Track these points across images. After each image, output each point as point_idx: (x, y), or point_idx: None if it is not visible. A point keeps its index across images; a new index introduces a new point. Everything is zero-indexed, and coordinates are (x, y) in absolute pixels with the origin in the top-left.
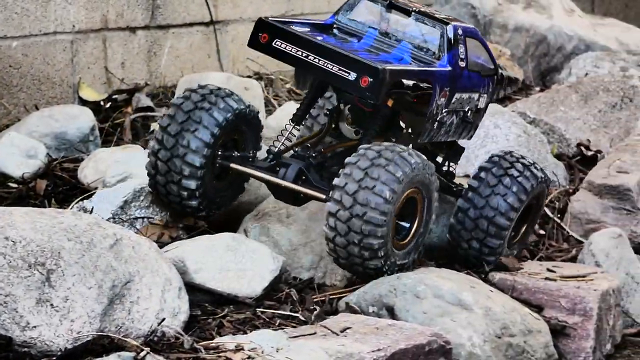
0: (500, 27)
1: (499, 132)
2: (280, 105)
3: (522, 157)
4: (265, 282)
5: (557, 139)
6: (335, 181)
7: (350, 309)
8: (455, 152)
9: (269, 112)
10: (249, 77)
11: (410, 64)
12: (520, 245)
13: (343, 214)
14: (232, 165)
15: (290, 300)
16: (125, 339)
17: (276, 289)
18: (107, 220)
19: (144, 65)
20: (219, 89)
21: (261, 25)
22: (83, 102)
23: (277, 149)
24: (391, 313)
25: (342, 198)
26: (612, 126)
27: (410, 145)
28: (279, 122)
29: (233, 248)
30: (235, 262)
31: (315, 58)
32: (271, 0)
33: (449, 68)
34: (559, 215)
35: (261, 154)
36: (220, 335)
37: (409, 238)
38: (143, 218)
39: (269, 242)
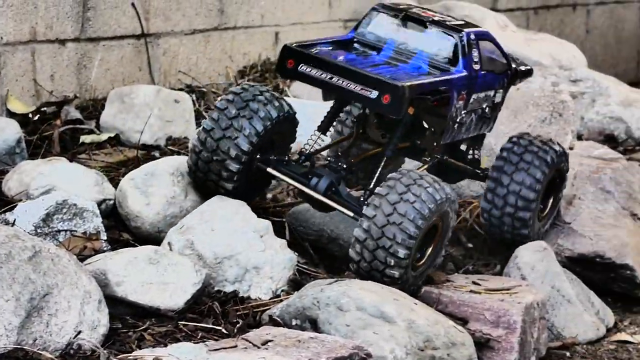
0: None
1: None
2: None
3: (539, 136)
4: (187, 295)
5: (487, 152)
6: (365, 210)
7: (273, 322)
8: (477, 139)
9: (199, 125)
10: (181, 89)
11: (428, 72)
12: (549, 219)
13: (370, 243)
14: (269, 169)
15: (213, 313)
16: (40, 352)
17: (199, 302)
18: (29, 232)
19: (73, 77)
20: (261, 93)
21: (286, 51)
22: (11, 115)
23: (310, 149)
24: (314, 326)
25: (371, 229)
26: None
27: (435, 144)
28: None
29: (155, 261)
30: (158, 275)
31: (338, 79)
32: (204, 13)
33: (465, 73)
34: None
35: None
36: (140, 348)
37: (424, 260)
38: (66, 231)
39: (193, 255)
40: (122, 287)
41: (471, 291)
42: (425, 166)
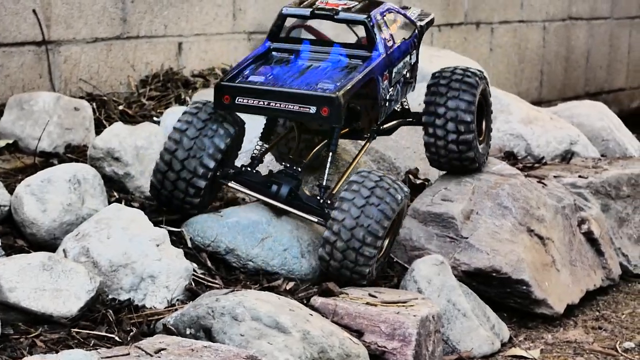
0: None
1: None
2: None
3: (457, 66)
4: (81, 302)
5: (387, 167)
6: (334, 214)
7: (167, 331)
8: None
9: (99, 134)
10: (82, 97)
11: (348, 64)
12: (488, 140)
13: (340, 245)
14: (230, 184)
15: (107, 321)
16: None
17: (93, 310)
18: None
19: None
20: (215, 111)
21: (221, 89)
22: None
23: (259, 154)
24: (208, 335)
25: (340, 231)
26: None
27: (371, 123)
28: (105, 144)
29: (49, 267)
30: (51, 282)
31: (276, 104)
32: (106, 22)
33: (383, 53)
34: None
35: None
36: (31, 354)
37: (383, 251)
38: None
39: (89, 263)
40: (15, 293)
41: (367, 303)
42: (368, 144)
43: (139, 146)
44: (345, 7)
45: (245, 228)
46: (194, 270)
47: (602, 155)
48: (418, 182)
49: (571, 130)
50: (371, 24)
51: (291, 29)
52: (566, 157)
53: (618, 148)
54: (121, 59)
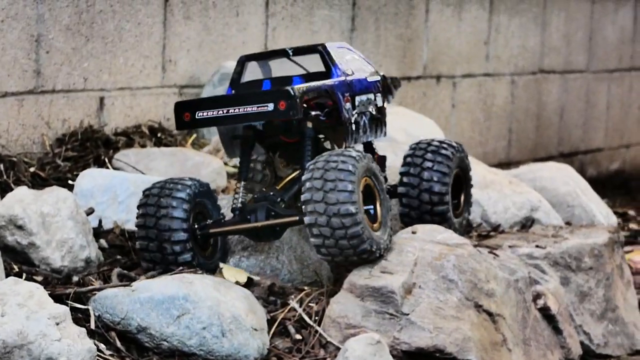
0: None
1: None
2: None
3: (434, 139)
4: None
5: None
6: (303, 198)
7: None
8: (379, 162)
9: (3, 197)
10: None
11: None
12: (466, 212)
13: (321, 219)
14: (211, 230)
15: None
16: None
17: None
18: None
19: None
20: (168, 180)
21: (180, 107)
22: None
23: (238, 204)
24: None
25: (315, 207)
26: None
27: None
28: (7, 210)
29: None
30: None
31: (235, 109)
32: (17, 74)
33: (341, 77)
34: (316, 319)
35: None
36: None
37: (378, 219)
38: None
39: None
40: None
41: None
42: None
43: (46, 213)
44: (300, 46)
45: (160, 304)
46: (100, 352)
47: (566, 223)
48: None
49: (532, 195)
50: (326, 50)
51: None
52: (526, 224)
53: (585, 215)
54: (34, 115)
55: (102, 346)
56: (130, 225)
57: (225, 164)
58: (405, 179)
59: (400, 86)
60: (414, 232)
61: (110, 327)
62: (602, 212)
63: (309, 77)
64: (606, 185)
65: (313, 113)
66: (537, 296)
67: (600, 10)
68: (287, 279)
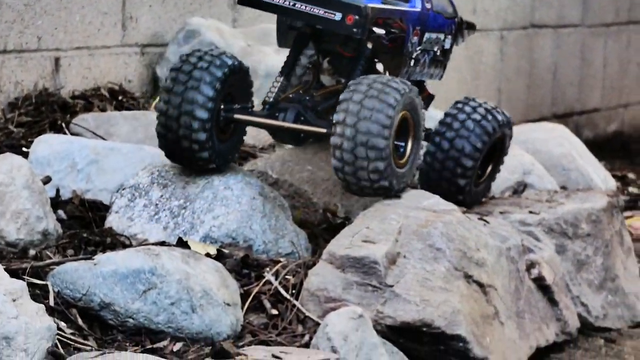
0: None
1: (229, 193)
2: None
3: (485, 102)
4: None
5: (303, 203)
6: (335, 117)
7: None
8: (426, 101)
9: None
10: None
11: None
12: (487, 184)
13: (347, 144)
14: (235, 115)
15: None
16: None
17: None
18: None
19: None
20: (211, 49)
21: None
22: None
23: (270, 99)
24: None
25: (345, 131)
26: None
27: None
28: None
29: None
30: None
31: (302, 5)
32: None
33: (418, 9)
34: (294, 293)
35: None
36: None
37: (406, 156)
38: None
39: None
40: None
41: None
42: None
43: None
44: None
45: (124, 278)
46: (61, 330)
47: (561, 187)
48: (337, 221)
49: (525, 158)
50: None
51: None
52: (518, 189)
53: (581, 179)
54: None
55: (62, 324)
56: (91, 195)
57: None
58: (436, 139)
59: (474, 32)
60: (399, 198)
61: (71, 303)
62: (599, 176)
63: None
64: (604, 147)
65: (376, 32)
66: (530, 265)
67: None
68: (261, 250)
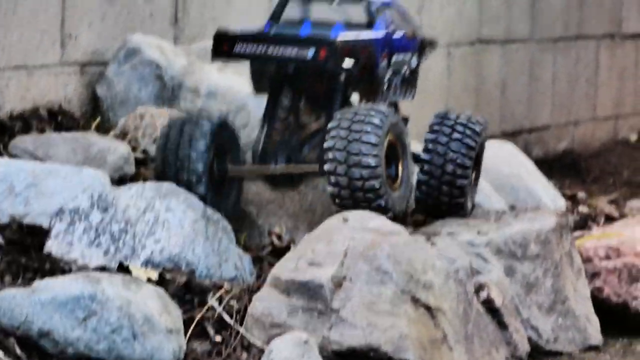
0: (191, 92)
1: (171, 216)
2: None
3: (458, 117)
4: None
5: (247, 225)
6: (326, 145)
7: None
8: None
9: None
10: None
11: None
12: (474, 191)
13: (341, 168)
14: (229, 169)
15: None
16: None
17: None
18: None
19: None
20: (194, 114)
21: (220, 36)
22: None
23: (259, 148)
24: None
25: (336, 155)
26: (313, 210)
27: None
28: None
29: None
30: None
31: (274, 48)
32: None
33: (383, 32)
34: (238, 318)
35: None
36: None
37: (399, 179)
38: None
39: None
40: None
41: None
42: None
43: None
44: None
45: (63, 305)
46: None
47: (510, 207)
48: (282, 244)
49: None
50: (371, 5)
51: None
52: None
53: (530, 198)
54: None
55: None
56: (30, 219)
57: (134, 148)
58: (426, 167)
59: (435, 49)
60: (345, 220)
61: (9, 332)
62: (549, 195)
63: (350, 26)
64: (554, 165)
65: (346, 64)
66: (479, 288)
67: None
68: (204, 274)
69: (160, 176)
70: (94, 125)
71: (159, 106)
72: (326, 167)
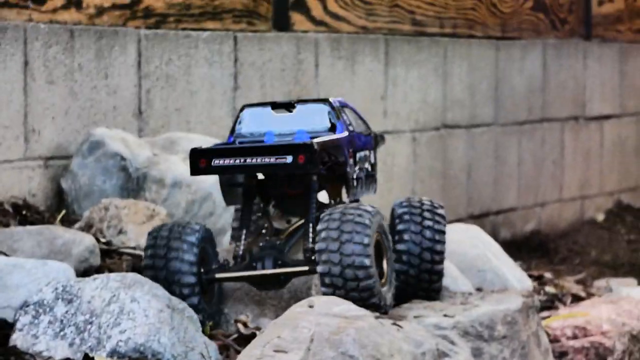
0: (156, 182)
1: (136, 306)
2: None
3: (420, 202)
4: None
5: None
6: (318, 247)
7: None
8: None
9: None
10: None
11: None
12: None
13: (335, 269)
14: (217, 275)
15: None
16: None
17: None
18: None
19: None
20: (175, 224)
21: (196, 153)
22: None
23: (240, 251)
24: None
25: (330, 257)
26: (279, 297)
27: None
28: None
29: None
30: None
31: (252, 159)
32: None
33: (346, 132)
34: None
35: None
36: None
37: (385, 275)
38: None
39: None
40: None
41: None
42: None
43: None
44: (304, 99)
45: None
46: None
47: (477, 289)
48: (249, 331)
49: None
50: (332, 107)
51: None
52: None
53: (497, 279)
54: None
55: None
56: None
57: (98, 240)
58: (404, 258)
59: (384, 143)
60: (310, 306)
61: None
62: (515, 276)
63: (313, 131)
64: (521, 247)
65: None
66: None
67: (506, 58)
68: None
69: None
70: (59, 218)
71: (123, 197)
72: (319, 268)
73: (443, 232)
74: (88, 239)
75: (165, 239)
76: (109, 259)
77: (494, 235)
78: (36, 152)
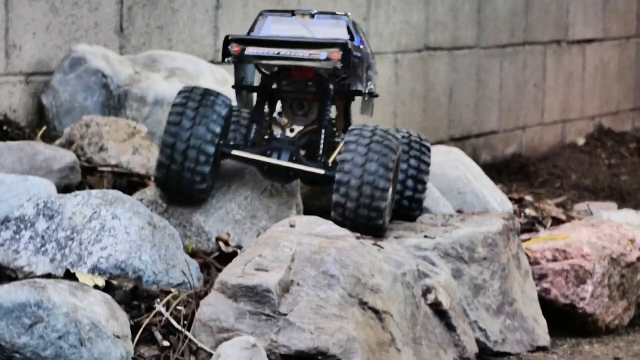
0: (137, 100)
1: (117, 224)
2: None
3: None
4: None
5: (195, 232)
6: (342, 157)
7: None
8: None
9: None
10: None
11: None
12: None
13: (355, 182)
14: (233, 152)
15: None
16: None
17: None
18: None
19: None
20: (207, 91)
21: (230, 40)
22: None
23: (251, 138)
24: None
25: (353, 169)
26: (260, 217)
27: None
28: None
29: None
30: None
31: (287, 52)
32: None
33: (368, 48)
34: (186, 324)
35: None
36: None
37: (391, 201)
38: None
39: None
40: None
41: None
42: (341, 145)
43: None
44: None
45: (10, 312)
46: None
47: (457, 211)
48: (229, 250)
49: None
50: (351, 21)
51: None
52: None
53: (477, 202)
54: None
55: None
56: None
57: (79, 157)
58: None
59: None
60: (292, 226)
61: None
62: (496, 199)
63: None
64: (502, 170)
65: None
66: (427, 291)
67: None
68: (152, 281)
69: (169, 149)
70: (39, 134)
71: (105, 115)
72: (339, 176)
73: (428, 164)
74: (69, 156)
75: (197, 103)
76: (90, 176)
77: (475, 158)
78: (17, 68)
